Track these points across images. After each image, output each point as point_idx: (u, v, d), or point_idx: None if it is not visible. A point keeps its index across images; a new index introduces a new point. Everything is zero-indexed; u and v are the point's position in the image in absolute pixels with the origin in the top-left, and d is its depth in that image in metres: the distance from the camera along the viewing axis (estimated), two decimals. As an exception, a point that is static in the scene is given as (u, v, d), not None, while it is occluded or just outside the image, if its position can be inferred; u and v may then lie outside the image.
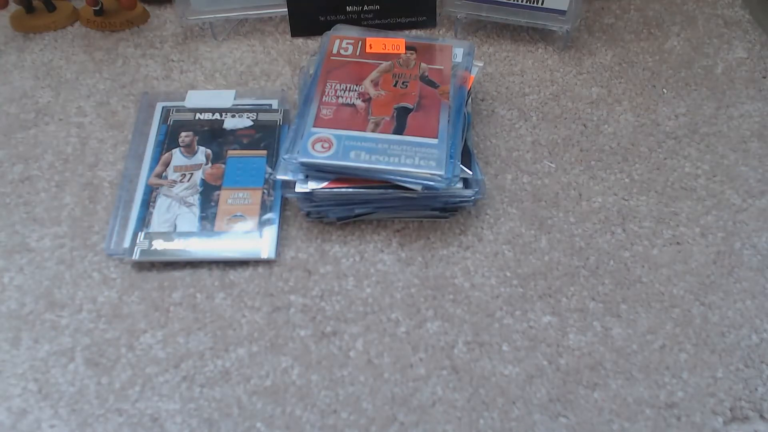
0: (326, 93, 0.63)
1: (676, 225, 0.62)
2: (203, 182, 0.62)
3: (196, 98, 0.70)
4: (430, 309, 0.56)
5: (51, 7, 0.81)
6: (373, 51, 0.68)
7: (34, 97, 0.73)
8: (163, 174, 0.62)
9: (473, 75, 0.67)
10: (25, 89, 0.74)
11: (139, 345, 0.54)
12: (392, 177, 0.57)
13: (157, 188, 0.61)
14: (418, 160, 0.58)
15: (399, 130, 0.60)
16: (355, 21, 0.78)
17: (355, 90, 0.64)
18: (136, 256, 0.57)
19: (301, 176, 0.58)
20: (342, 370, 0.52)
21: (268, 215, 0.60)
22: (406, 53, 0.68)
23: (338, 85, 0.64)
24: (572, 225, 0.61)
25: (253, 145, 0.65)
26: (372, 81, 0.65)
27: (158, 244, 0.58)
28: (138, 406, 0.51)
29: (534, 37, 0.78)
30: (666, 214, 0.62)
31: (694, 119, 0.70)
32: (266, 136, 0.66)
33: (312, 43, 0.78)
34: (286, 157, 0.59)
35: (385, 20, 0.79)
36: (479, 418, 0.50)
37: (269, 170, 0.63)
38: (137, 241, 0.58)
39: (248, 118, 0.67)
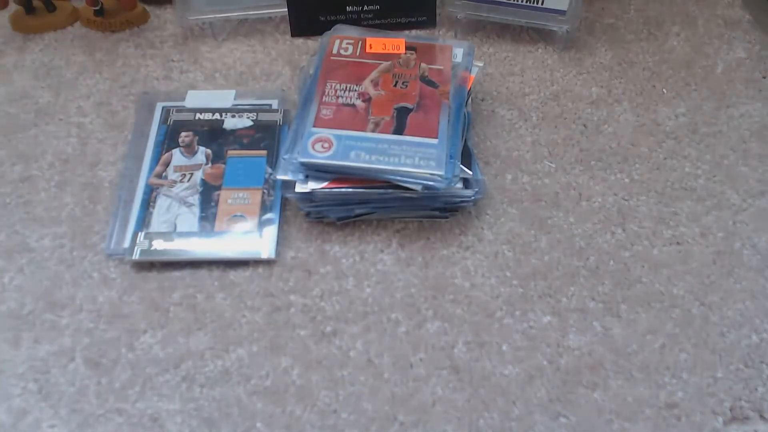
0: (326, 93, 0.63)
1: (676, 225, 0.62)
2: (203, 182, 0.62)
3: (196, 98, 0.70)
4: (430, 309, 0.56)
5: (51, 7, 0.81)
6: (373, 51, 0.68)
7: (34, 97, 0.73)
8: (163, 174, 0.62)
9: (473, 75, 0.67)
10: (25, 89, 0.74)
11: (139, 345, 0.54)
12: (392, 177, 0.57)
13: (157, 188, 0.61)
14: (418, 160, 0.58)
15: (399, 130, 0.60)
16: (355, 21, 0.78)
17: (355, 90, 0.64)
18: (136, 256, 0.57)
19: (301, 176, 0.58)
20: (342, 370, 0.52)
21: (268, 215, 0.60)
22: (406, 53, 0.68)
23: (338, 85, 0.64)
24: (572, 225, 0.61)
25: (253, 145, 0.65)
26: (372, 81, 0.65)
27: (158, 244, 0.58)
28: (138, 406, 0.51)
29: (534, 37, 0.78)
30: (666, 214, 0.62)
31: (694, 119, 0.70)
32: (266, 136, 0.66)
33: (312, 43, 0.78)
34: (286, 157, 0.59)
35: (385, 20, 0.79)
36: (479, 418, 0.50)
37: (269, 170, 0.63)
38: (137, 241, 0.58)
39: (248, 118, 0.67)
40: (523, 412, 0.50)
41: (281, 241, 0.60)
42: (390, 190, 0.58)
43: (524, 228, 0.61)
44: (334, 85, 0.64)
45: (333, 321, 0.55)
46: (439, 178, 0.57)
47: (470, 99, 0.68)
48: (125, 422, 0.50)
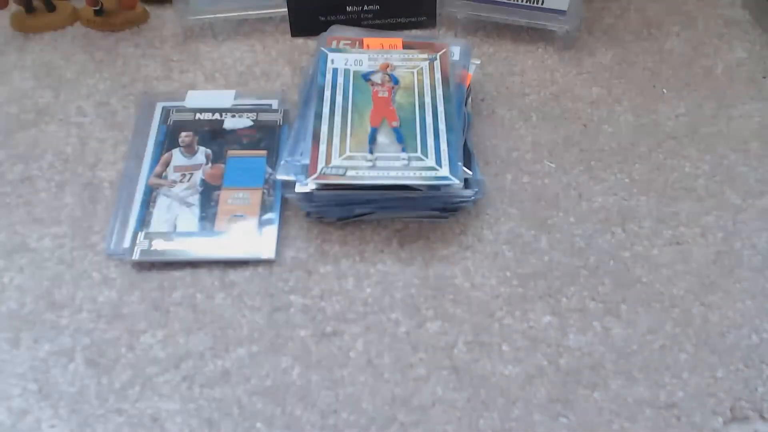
0: (326, 93, 0.63)
1: (676, 225, 0.62)
2: (203, 182, 0.62)
3: (196, 98, 0.70)
4: (430, 309, 0.56)
5: (51, 7, 0.81)
6: (371, 50, 0.68)
7: (34, 97, 0.73)
8: (163, 174, 0.62)
9: (471, 73, 0.67)
10: (25, 89, 0.74)
11: (139, 345, 0.54)
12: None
13: (157, 188, 0.61)
14: (418, 160, 0.58)
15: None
16: (355, 21, 0.78)
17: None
18: (136, 256, 0.57)
19: (301, 176, 0.58)
20: (342, 370, 0.52)
21: (268, 215, 0.60)
22: (406, 53, 0.68)
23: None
24: (572, 225, 0.61)
25: (253, 145, 0.65)
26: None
27: (158, 244, 0.58)
28: (138, 406, 0.51)
29: (534, 37, 0.78)
30: (666, 214, 0.62)
31: (694, 119, 0.70)
32: (266, 136, 0.66)
33: (312, 43, 0.78)
34: (288, 159, 0.59)
35: (385, 20, 0.79)
36: (479, 418, 0.50)
37: (269, 170, 0.63)
38: (137, 241, 0.58)
39: (248, 118, 0.67)
40: (523, 412, 0.50)
41: (281, 241, 0.60)
42: (390, 190, 0.58)
43: (524, 228, 0.61)
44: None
45: (333, 321, 0.55)
46: (439, 178, 0.57)
47: (470, 99, 0.68)
48: (125, 422, 0.50)
